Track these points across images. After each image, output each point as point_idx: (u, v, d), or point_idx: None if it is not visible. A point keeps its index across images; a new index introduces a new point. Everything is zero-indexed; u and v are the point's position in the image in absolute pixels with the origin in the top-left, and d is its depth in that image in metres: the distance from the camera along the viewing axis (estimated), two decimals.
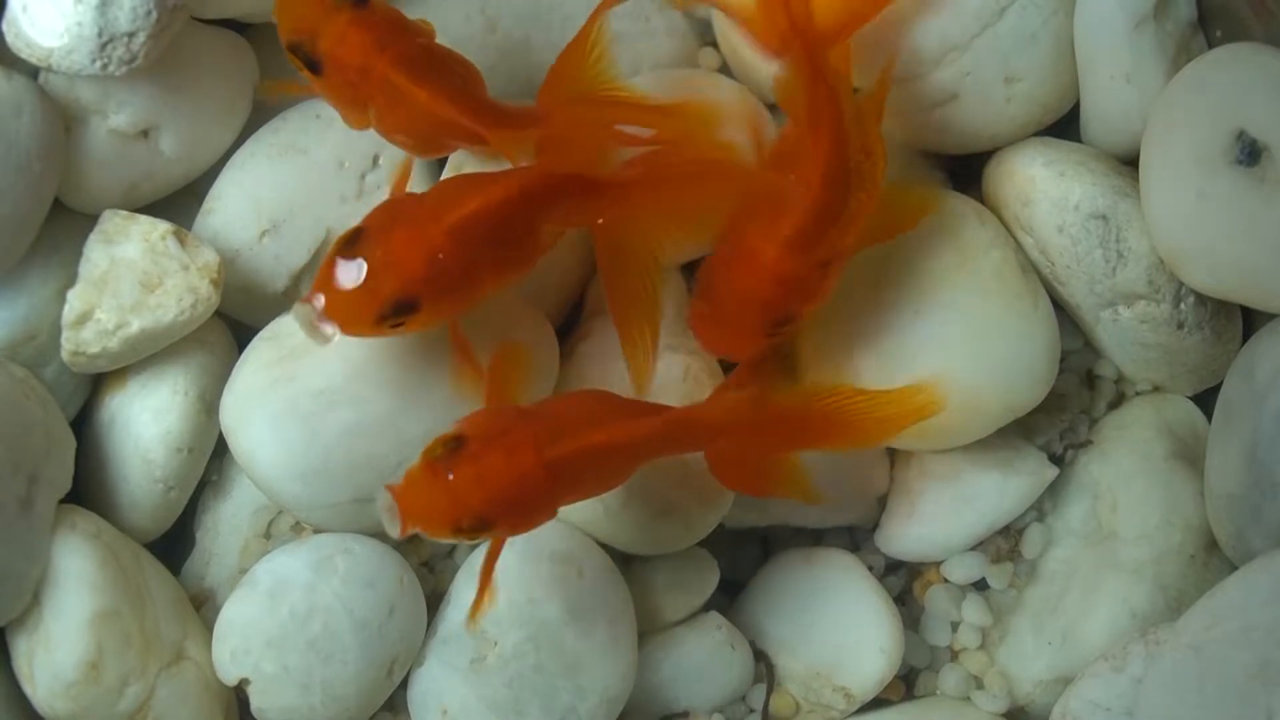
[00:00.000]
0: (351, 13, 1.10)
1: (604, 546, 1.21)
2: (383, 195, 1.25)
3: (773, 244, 1.08)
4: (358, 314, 1.03)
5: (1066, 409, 1.28)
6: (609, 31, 1.12)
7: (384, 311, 1.03)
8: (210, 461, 1.25)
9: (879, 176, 1.13)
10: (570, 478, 1.03)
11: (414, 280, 1.03)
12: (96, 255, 1.19)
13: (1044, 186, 1.21)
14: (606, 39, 1.12)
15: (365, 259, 1.03)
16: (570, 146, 1.11)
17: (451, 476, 0.99)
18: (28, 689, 1.16)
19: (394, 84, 1.09)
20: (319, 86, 1.13)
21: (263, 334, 1.20)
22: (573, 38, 1.13)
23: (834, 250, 1.10)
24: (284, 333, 1.18)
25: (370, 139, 1.23)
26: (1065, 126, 1.28)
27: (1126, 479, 1.26)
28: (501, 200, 1.05)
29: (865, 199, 1.11)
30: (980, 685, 1.25)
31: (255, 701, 1.17)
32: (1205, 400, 1.28)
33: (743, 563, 1.29)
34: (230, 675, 1.17)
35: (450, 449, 1.00)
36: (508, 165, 1.12)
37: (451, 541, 1.00)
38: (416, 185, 1.27)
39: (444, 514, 1.00)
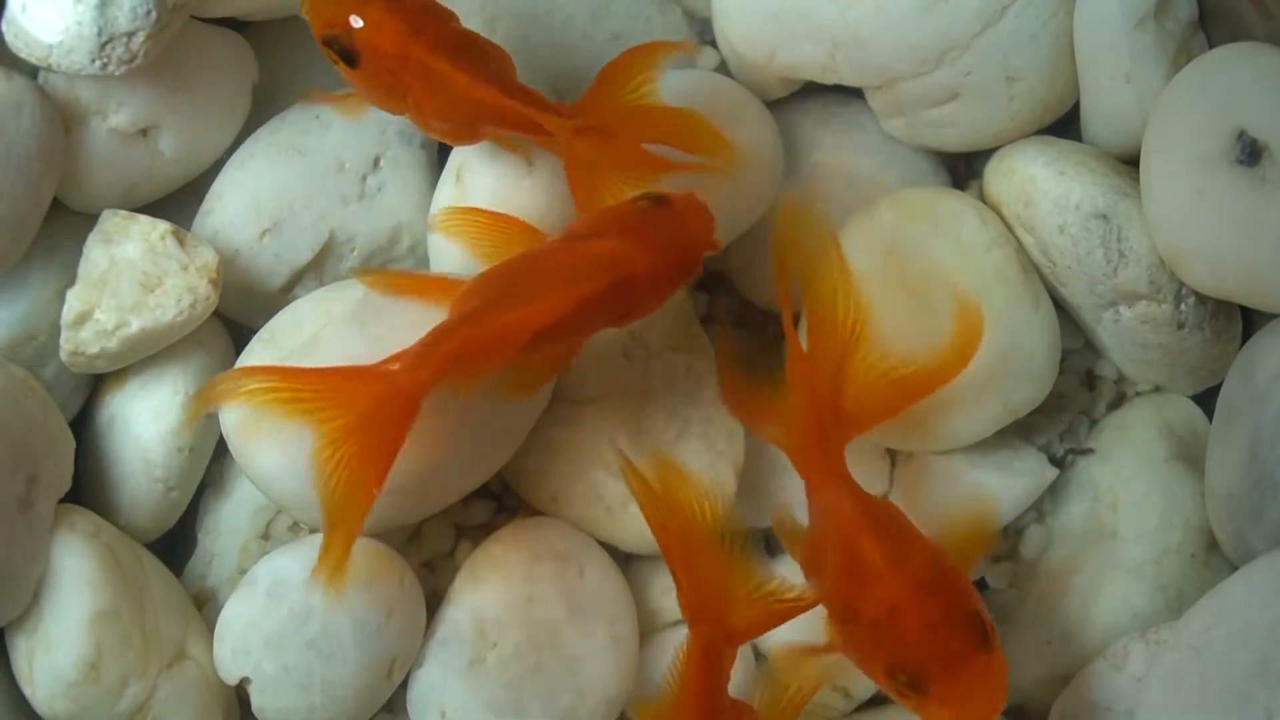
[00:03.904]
0: (385, 1, 1.10)
1: (604, 546, 1.21)
2: (383, 197, 1.26)
3: None
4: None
5: (1067, 409, 1.28)
6: (660, 68, 1.11)
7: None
8: (211, 462, 1.25)
9: None
10: None
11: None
12: (96, 255, 1.19)
13: (1044, 186, 1.21)
14: (655, 70, 1.11)
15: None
16: (602, 147, 1.10)
17: None
18: (27, 689, 1.16)
19: (433, 69, 1.10)
20: (355, 78, 1.13)
21: (260, 335, 1.19)
22: (624, 53, 1.13)
23: None
24: (281, 334, 1.18)
25: (370, 141, 1.23)
26: (1065, 126, 1.28)
27: (1127, 479, 1.25)
28: None
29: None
30: None
31: (255, 701, 1.17)
32: (1205, 400, 1.28)
33: None
34: (231, 674, 1.17)
35: None
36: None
37: None
38: (412, 193, 1.27)
39: None
